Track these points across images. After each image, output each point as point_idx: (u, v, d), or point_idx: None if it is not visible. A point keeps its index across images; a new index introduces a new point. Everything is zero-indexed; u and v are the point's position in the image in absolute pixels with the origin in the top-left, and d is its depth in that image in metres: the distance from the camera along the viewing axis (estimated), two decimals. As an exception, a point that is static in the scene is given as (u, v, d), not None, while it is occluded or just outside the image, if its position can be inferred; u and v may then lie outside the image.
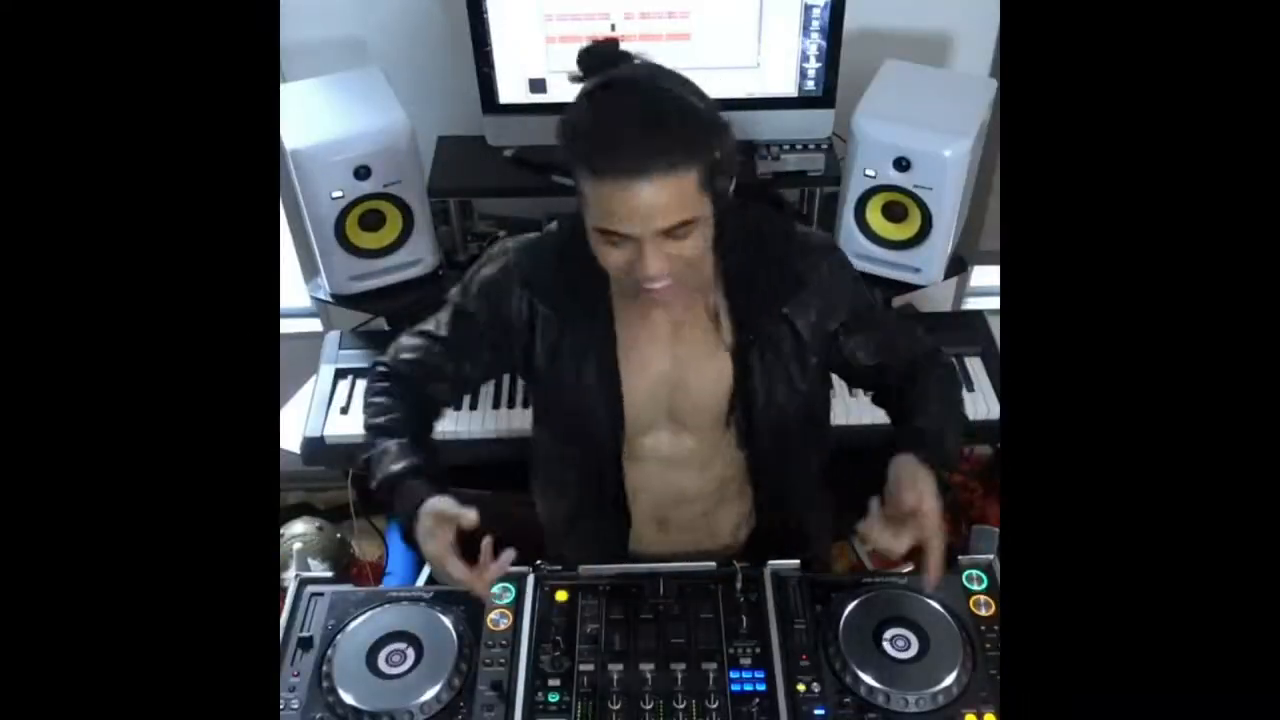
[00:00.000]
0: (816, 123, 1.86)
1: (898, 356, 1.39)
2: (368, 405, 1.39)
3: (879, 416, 1.84)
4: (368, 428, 1.37)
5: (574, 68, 1.17)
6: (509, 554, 1.24)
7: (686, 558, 1.43)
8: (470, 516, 1.21)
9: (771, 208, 1.31)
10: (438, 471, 1.32)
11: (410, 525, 1.26)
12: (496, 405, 1.86)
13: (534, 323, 1.31)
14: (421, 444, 1.34)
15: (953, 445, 1.32)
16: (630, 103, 1.09)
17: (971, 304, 2.41)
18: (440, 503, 1.24)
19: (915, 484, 1.21)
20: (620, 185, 1.07)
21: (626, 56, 1.16)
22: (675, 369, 1.32)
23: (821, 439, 1.48)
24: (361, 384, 1.91)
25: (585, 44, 1.16)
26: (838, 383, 1.89)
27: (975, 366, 1.93)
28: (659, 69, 1.14)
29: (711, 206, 1.14)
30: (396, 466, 1.30)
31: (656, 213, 1.08)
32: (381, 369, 1.42)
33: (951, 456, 1.31)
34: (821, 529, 1.60)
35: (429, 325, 1.39)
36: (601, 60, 1.15)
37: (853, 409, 1.84)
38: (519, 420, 1.84)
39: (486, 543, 1.24)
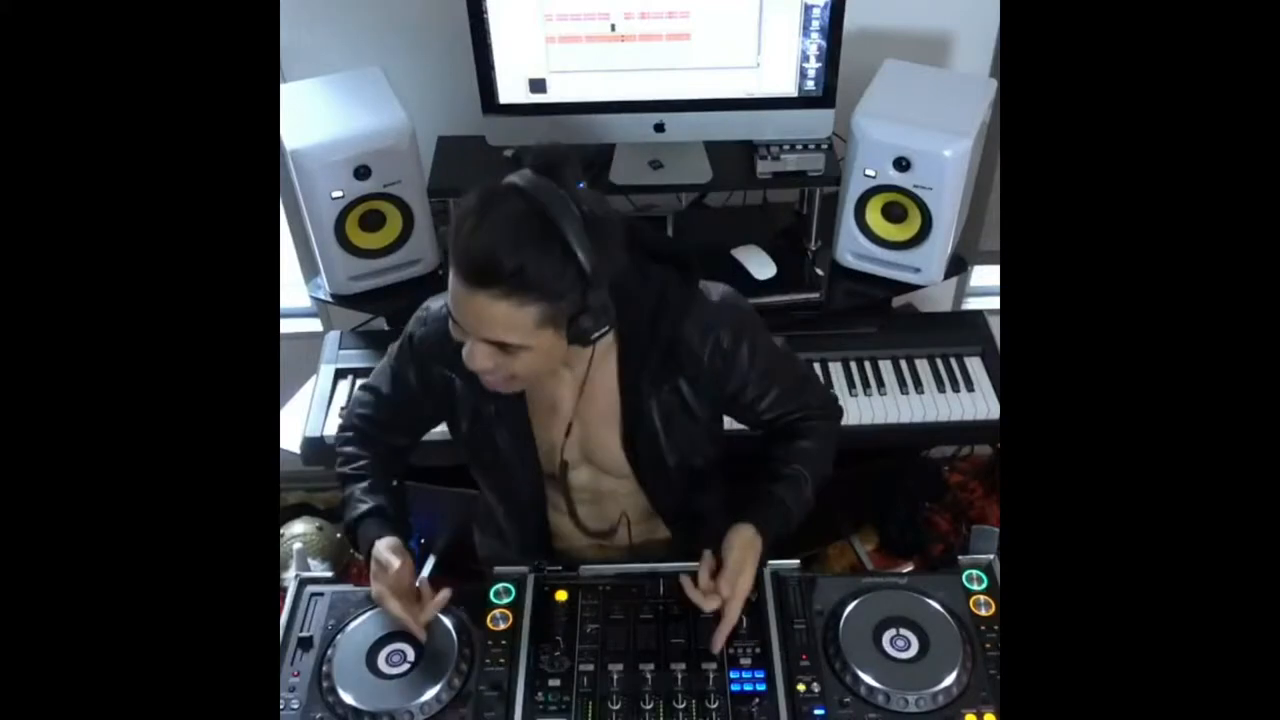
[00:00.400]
0: (816, 123, 1.85)
1: (795, 406, 1.43)
2: (336, 455, 1.48)
3: (875, 418, 1.85)
4: (337, 476, 1.46)
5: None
6: (445, 593, 1.32)
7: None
8: (394, 567, 1.31)
9: (677, 273, 1.30)
10: (397, 513, 1.42)
11: (367, 564, 1.36)
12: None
13: (452, 389, 1.37)
14: (382, 489, 1.43)
15: (799, 510, 1.39)
16: (507, 215, 1.09)
17: (971, 304, 2.41)
18: (383, 547, 1.34)
19: (738, 571, 1.30)
20: (460, 282, 1.11)
21: (566, 173, 1.13)
22: (582, 424, 1.37)
23: (713, 470, 1.49)
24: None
25: (531, 145, 1.17)
26: (839, 385, 1.90)
27: (975, 366, 1.93)
28: (574, 204, 1.11)
29: (558, 340, 1.16)
30: (357, 510, 1.40)
31: (482, 324, 1.13)
32: (343, 425, 1.51)
33: (794, 522, 1.39)
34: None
35: (375, 381, 1.47)
36: (540, 163, 1.14)
37: (851, 412, 1.84)
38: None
39: (424, 584, 1.36)
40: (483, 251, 1.08)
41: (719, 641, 1.29)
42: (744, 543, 1.32)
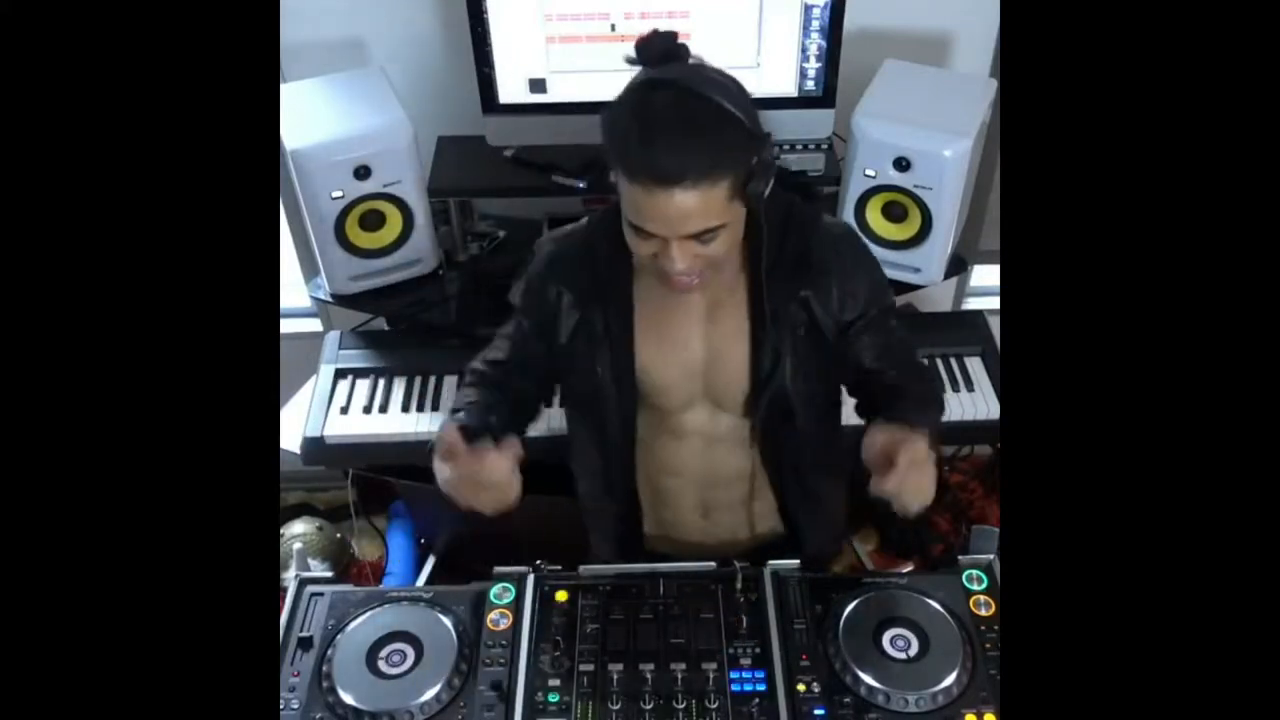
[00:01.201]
0: (816, 123, 1.85)
1: (894, 365, 1.39)
2: (469, 376, 1.43)
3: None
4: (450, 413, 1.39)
5: (630, 53, 1.18)
6: (513, 446, 1.23)
7: (723, 550, 1.45)
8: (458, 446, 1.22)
9: (800, 195, 1.31)
10: (490, 426, 1.31)
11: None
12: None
13: (558, 310, 1.35)
14: (493, 411, 1.35)
15: (933, 440, 1.29)
16: (671, 109, 1.10)
17: (971, 304, 2.42)
18: (448, 429, 1.25)
19: (897, 438, 1.20)
20: (650, 190, 1.09)
21: (682, 52, 1.16)
22: (708, 348, 1.35)
23: (834, 427, 1.48)
24: (361, 384, 1.91)
25: (645, 34, 1.17)
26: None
27: (975, 366, 1.93)
28: (708, 74, 1.14)
29: (743, 210, 1.16)
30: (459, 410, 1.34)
31: (685, 219, 1.11)
32: (469, 373, 1.45)
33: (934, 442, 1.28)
34: (833, 521, 1.62)
35: (504, 328, 1.44)
36: (658, 54, 1.15)
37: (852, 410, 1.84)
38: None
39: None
40: (670, 151, 1.08)
41: (894, 481, 1.19)
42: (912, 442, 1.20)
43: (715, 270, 1.24)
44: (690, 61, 1.17)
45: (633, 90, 1.14)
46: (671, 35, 1.17)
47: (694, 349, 1.35)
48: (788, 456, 1.43)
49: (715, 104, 1.10)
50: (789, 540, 1.53)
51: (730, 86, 1.14)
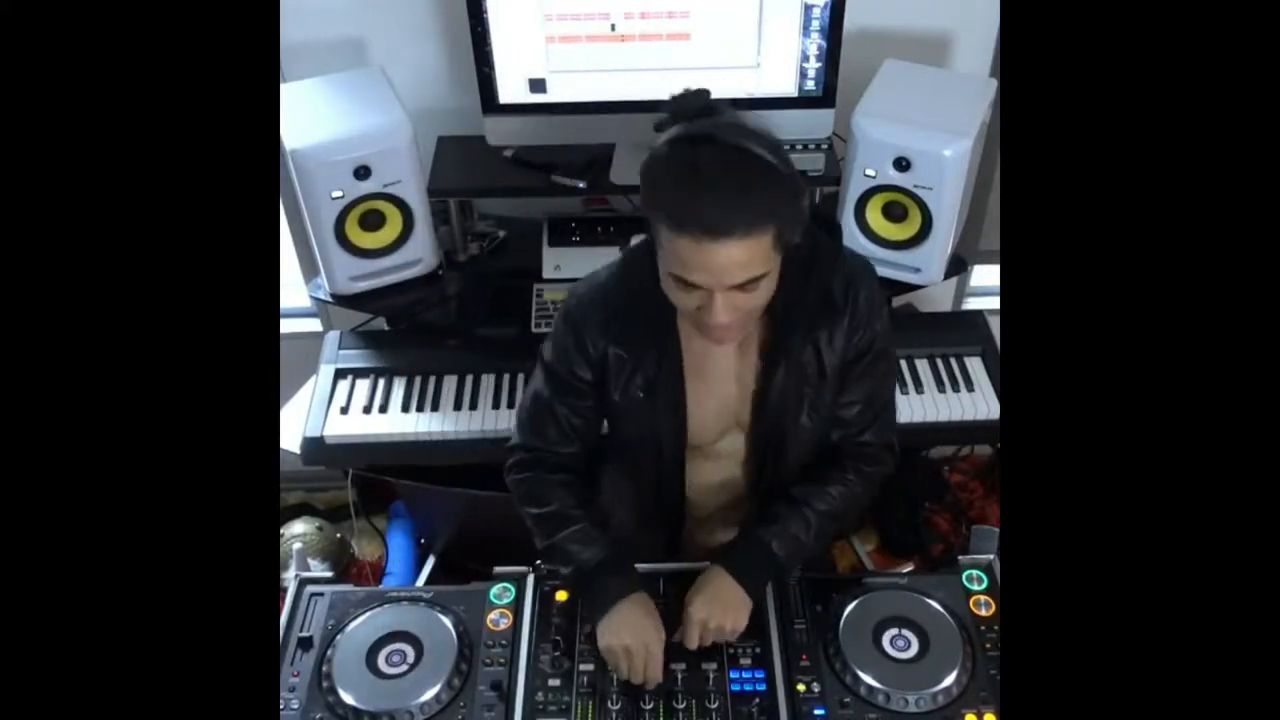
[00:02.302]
0: (816, 123, 1.85)
1: (864, 424, 1.42)
2: (517, 492, 1.43)
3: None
4: (531, 520, 1.40)
5: (662, 114, 1.20)
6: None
7: None
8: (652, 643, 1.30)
9: (822, 230, 1.33)
10: (623, 553, 1.37)
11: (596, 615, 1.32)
12: (496, 405, 1.86)
13: (606, 363, 1.35)
14: (596, 529, 1.38)
15: (794, 560, 1.38)
16: (718, 163, 1.11)
17: (971, 304, 2.41)
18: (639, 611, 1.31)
19: (694, 621, 1.30)
20: (699, 243, 1.10)
21: (716, 108, 1.18)
22: (740, 379, 1.37)
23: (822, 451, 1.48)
24: (361, 384, 1.91)
25: (678, 92, 1.19)
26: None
27: (975, 366, 1.93)
28: (746, 126, 1.15)
29: (780, 256, 1.18)
30: (587, 555, 1.34)
31: (732, 271, 1.13)
32: (511, 459, 1.45)
33: (786, 570, 1.38)
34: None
35: (535, 386, 1.42)
36: (693, 110, 1.17)
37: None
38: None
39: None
40: (721, 204, 1.09)
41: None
42: (711, 595, 1.31)
43: (753, 320, 1.26)
44: (725, 114, 1.17)
45: (675, 144, 1.14)
46: (705, 93, 1.19)
47: (729, 384, 1.37)
48: (769, 480, 1.45)
49: (759, 156, 1.12)
50: None
51: (766, 138, 1.15)
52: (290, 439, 1.85)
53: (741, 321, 1.22)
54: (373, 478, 2.16)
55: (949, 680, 1.24)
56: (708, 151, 1.11)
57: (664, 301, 1.24)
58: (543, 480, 1.41)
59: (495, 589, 1.39)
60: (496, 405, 1.86)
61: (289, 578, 1.44)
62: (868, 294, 1.34)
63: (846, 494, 1.40)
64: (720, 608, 1.30)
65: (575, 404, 1.40)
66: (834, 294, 1.31)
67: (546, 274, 1.98)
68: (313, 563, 2.39)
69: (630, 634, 1.27)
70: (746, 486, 1.49)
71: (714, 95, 1.21)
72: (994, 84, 1.85)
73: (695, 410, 1.38)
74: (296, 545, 2.33)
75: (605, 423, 1.46)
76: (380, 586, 1.79)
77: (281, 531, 2.48)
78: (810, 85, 1.81)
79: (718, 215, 1.09)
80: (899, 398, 1.86)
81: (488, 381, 1.89)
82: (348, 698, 1.25)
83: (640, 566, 1.40)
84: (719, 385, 1.37)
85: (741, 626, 1.31)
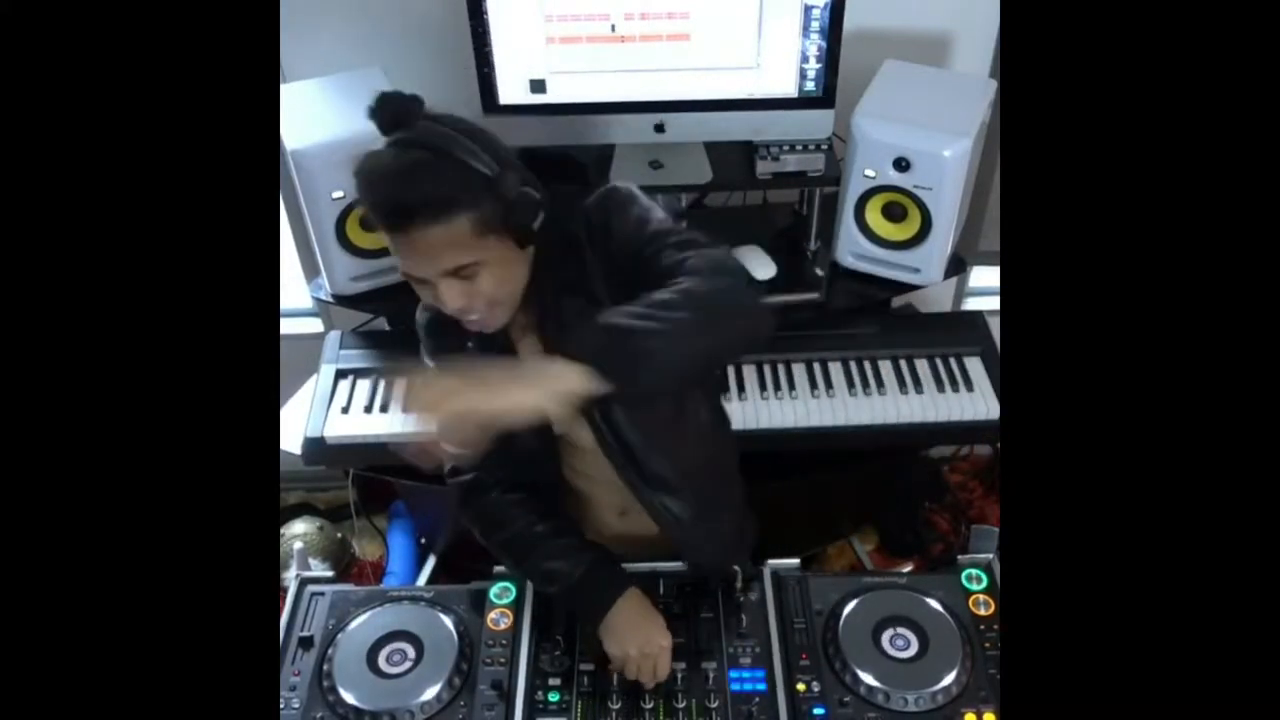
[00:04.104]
0: (816, 123, 1.85)
1: (654, 263, 1.23)
2: (481, 527, 1.42)
3: (875, 418, 1.84)
4: (494, 547, 1.40)
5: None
6: None
7: (648, 546, 1.42)
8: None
9: (561, 177, 1.29)
10: (603, 557, 1.35)
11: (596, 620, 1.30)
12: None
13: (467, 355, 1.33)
14: (571, 533, 1.37)
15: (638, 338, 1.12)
16: (389, 159, 1.15)
17: (971, 304, 2.42)
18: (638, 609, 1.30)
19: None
20: (393, 234, 1.15)
21: (415, 114, 1.19)
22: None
23: (679, 422, 1.39)
24: (362, 384, 1.91)
25: (375, 99, 1.20)
26: (839, 385, 1.89)
27: (975, 366, 1.93)
28: (437, 127, 1.17)
29: (508, 247, 1.18)
30: (568, 568, 1.32)
31: (431, 256, 1.15)
32: (461, 489, 1.43)
33: (630, 341, 1.12)
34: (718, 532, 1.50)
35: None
36: (389, 121, 1.19)
37: (852, 412, 1.84)
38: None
39: None
40: (389, 195, 1.14)
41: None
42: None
43: (501, 307, 1.23)
44: (424, 117, 1.19)
45: (369, 151, 1.18)
46: (406, 99, 1.21)
47: None
48: (617, 432, 1.34)
49: (435, 148, 1.14)
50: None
51: (465, 134, 1.17)
52: (291, 439, 1.85)
53: (487, 307, 1.20)
54: (373, 477, 2.16)
55: (948, 679, 1.24)
56: (385, 153, 1.16)
57: None
58: (497, 503, 1.40)
59: (495, 588, 1.39)
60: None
61: (289, 577, 1.45)
62: (600, 217, 1.25)
63: (676, 288, 1.15)
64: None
65: None
66: (574, 236, 1.25)
67: (546, 274, 1.98)
68: (313, 562, 2.39)
69: (635, 638, 1.27)
70: (605, 451, 1.36)
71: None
72: (994, 84, 1.85)
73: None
74: (297, 545, 2.34)
75: None
76: (381, 586, 1.79)
77: (282, 531, 2.48)
78: (810, 86, 1.81)
79: (391, 204, 1.13)
80: (899, 397, 1.87)
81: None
82: (348, 697, 1.26)
83: (639, 566, 1.40)
84: None
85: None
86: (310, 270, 2.18)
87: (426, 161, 1.14)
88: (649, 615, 1.30)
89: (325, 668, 1.30)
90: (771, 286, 1.94)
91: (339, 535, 2.53)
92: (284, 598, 1.40)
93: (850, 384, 1.90)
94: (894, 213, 1.84)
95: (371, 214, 1.17)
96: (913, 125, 1.74)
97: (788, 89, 1.82)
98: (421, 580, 2.34)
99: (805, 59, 1.78)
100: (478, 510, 1.42)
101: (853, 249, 1.90)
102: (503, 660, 1.31)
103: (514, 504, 1.40)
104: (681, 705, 1.25)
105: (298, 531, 2.49)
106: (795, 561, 1.41)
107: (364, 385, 1.91)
